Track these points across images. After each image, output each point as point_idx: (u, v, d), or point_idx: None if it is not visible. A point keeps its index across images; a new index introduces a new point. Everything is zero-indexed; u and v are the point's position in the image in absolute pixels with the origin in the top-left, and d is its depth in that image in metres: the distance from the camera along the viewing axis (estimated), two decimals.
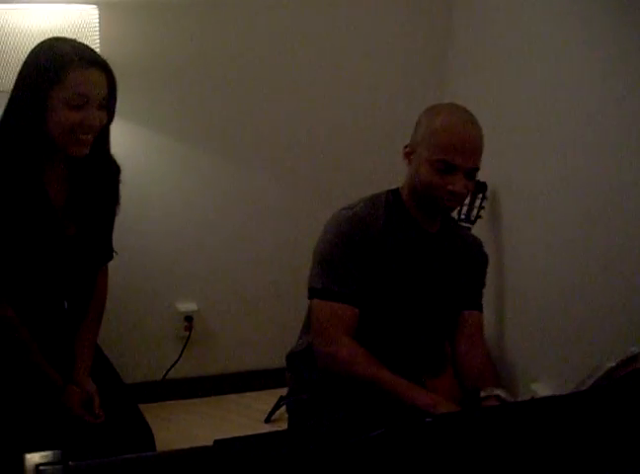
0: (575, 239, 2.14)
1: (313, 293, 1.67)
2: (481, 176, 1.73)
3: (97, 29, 1.98)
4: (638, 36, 1.90)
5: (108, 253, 1.85)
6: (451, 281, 1.74)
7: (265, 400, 2.71)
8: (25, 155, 1.57)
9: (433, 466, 0.79)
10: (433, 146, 1.57)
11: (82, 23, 1.95)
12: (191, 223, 2.62)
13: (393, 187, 1.76)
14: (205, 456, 0.90)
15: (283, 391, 2.64)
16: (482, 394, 1.59)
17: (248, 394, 2.81)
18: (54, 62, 1.53)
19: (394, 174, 2.20)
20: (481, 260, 1.83)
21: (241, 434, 0.91)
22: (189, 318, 2.67)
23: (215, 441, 0.89)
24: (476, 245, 1.83)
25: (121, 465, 0.92)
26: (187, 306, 2.68)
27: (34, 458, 0.91)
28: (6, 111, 1.60)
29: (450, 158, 1.55)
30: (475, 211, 2.37)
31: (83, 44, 1.61)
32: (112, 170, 1.76)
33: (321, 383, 1.70)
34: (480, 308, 1.80)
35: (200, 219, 2.63)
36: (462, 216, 2.36)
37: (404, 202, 1.69)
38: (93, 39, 1.96)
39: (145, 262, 2.56)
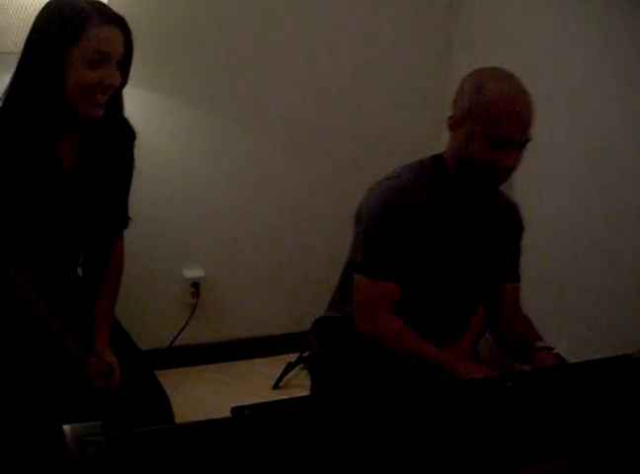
0: (588, 209, 2.15)
1: (355, 268, 1.62)
2: None
3: None
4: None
5: (123, 220, 1.82)
6: (492, 250, 1.71)
7: (272, 366, 2.72)
8: (38, 120, 1.52)
9: (474, 432, 0.78)
10: (484, 121, 1.49)
11: None
12: (198, 190, 2.59)
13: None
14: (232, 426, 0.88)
15: (291, 357, 2.66)
16: (537, 345, 1.57)
17: (255, 360, 2.81)
18: (73, 18, 1.47)
19: (409, 144, 2.19)
20: (519, 225, 1.78)
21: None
22: (195, 284, 2.66)
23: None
24: (514, 210, 1.78)
25: (162, 434, 0.91)
26: (193, 273, 2.66)
27: (74, 430, 0.90)
28: (18, 72, 1.53)
29: (505, 134, 1.48)
30: None
31: (99, 1, 1.56)
32: (125, 135, 1.72)
33: (355, 348, 1.67)
34: (518, 279, 1.77)
35: (208, 186, 2.60)
36: None
37: (449, 170, 1.63)
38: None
39: (151, 228, 2.52)
